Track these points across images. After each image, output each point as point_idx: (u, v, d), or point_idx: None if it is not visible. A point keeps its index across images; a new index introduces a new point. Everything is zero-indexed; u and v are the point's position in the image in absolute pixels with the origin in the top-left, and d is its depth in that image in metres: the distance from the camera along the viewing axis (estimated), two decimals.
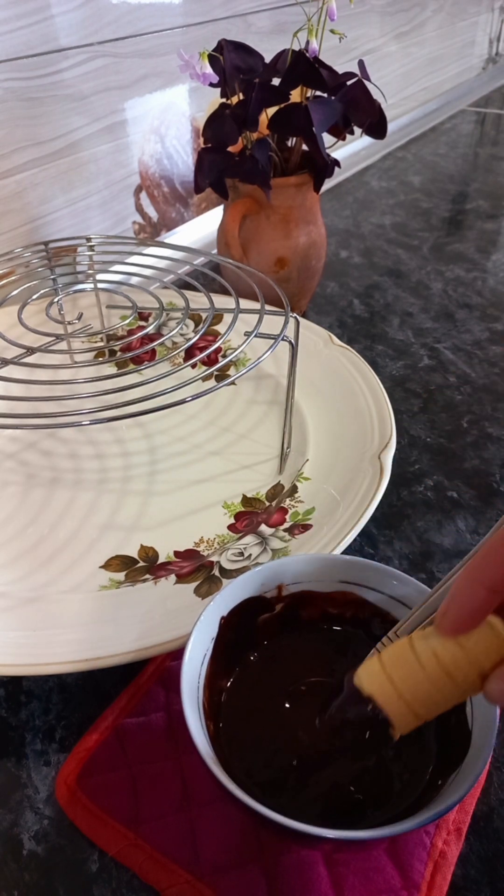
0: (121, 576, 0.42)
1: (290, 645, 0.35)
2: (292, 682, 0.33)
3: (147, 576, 0.42)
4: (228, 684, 0.33)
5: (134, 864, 0.31)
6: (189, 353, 0.60)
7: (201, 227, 0.89)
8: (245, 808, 0.25)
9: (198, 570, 0.41)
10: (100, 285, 0.57)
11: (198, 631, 0.31)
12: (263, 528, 0.44)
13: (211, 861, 0.31)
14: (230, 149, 0.59)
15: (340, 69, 0.57)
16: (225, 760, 0.29)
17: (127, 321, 0.46)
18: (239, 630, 0.33)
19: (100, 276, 0.59)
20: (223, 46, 0.55)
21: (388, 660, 0.26)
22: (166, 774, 0.34)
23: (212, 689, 0.32)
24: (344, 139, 0.61)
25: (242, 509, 0.47)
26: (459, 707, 0.30)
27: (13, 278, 0.50)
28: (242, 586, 0.33)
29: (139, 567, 0.43)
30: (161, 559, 0.43)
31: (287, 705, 0.32)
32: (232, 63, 0.55)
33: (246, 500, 0.48)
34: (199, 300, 0.56)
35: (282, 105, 0.57)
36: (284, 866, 0.31)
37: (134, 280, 0.66)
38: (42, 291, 0.49)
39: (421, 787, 0.29)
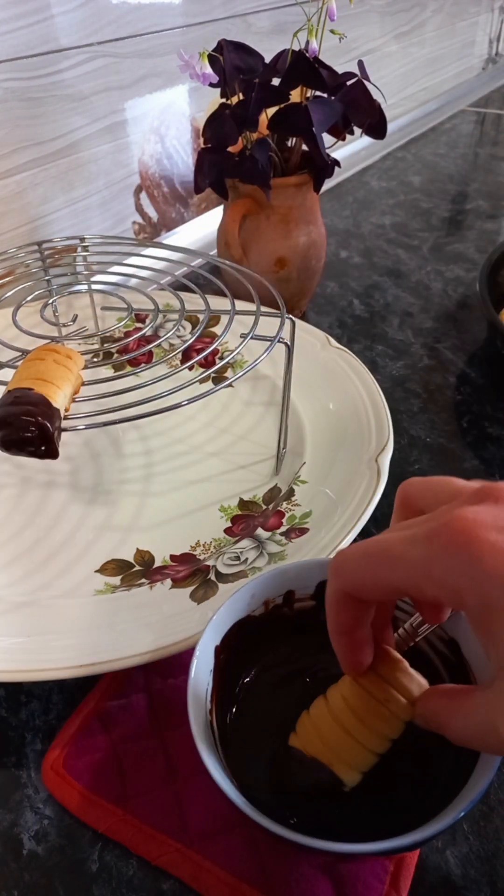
0: (116, 580, 0.42)
1: (289, 656, 0.35)
2: (296, 694, 0.33)
3: (143, 580, 0.42)
4: (238, 708, 0.33)
5: (124, 838, 0.32)
6: (186, 355, 0.60)
7: (201, 228, 0.89)
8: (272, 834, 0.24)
9: (194, 574, 0.41)
10: (94, 287, 0.57)
11: (197, 668, 0.30)
12: (260, 531, 0.44)
13: (198, 829, 0.32)
14: (230, 149, 0.59)
15: (340, 69, 0.57)
16: (244, 783, 0.29)
17: (123, 323, 0.46)
18: (236, 654, 0.33)
19: (94, 278, 0.59)
20: (223, 46, 0.55)
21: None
22: (150, 751, 0.35)
23: (220, 720, 0.31)
24: (344, 139, 0.61)
25: (239, 513, 0.47)
26: None
27: (8, 279, 0.50)
28: (229, 612, 0.32)
29: (135, 571, 0.43)
30: (157, 563, 0.43)
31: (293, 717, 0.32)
32: (232, 63, 0.55)
33: (242, 504, 0.48)
34: (195, 301, 0.55)
35: (282, 105, 0.57)
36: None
37: (129, 281, 0.66)
38: (36, 293, 0.49)
39: (430, 799, 0.29)
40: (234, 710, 0.33)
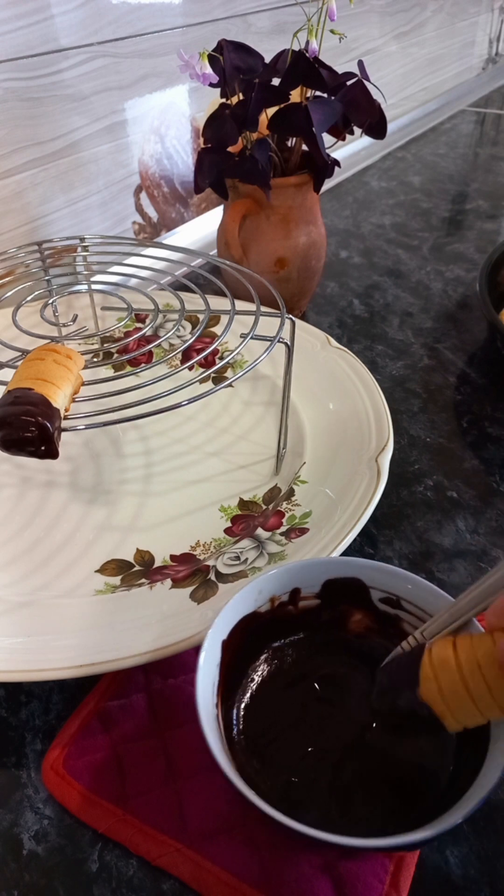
0: (116, 580, 0.42)
1: (294, 655, 0.35)
2: (304, 691, 0.33)
3: (143, 580, 0.42)
4: (243, 705, 0.33)
5: (124, 838, 0.32)
6: (186, 356, 0.60)
7: (201, 228, 0.89)
8: (284, 829, 0.24)
9: (194, 574, 0.41)
10: (94, 287, 0.57)
11: (204, 661, 0.30)
12: (260, 531, 0.44)
13: (198, 829, 0.32)
14: (230, 149, 0.59)
15: (340, 69, 0.57)
16: (248, 778, 0.29)
17: (123, 323, 0.46)
18: (241, 650, 0.33)
19: (94, 278, 0.59)
20: (223, 46, 0.55)
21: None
22: (150, 751, 0.35)
23: (226, 715, 0.32)
24: (344, 139, 0.61)
25: (239, 513, 0.47)
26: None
27: (8, 279, 0.50)
28: (236, 607, 0.32)
29: (135, 571, 0.43)
30: (157, 563, 0.43)
31: (303, 716, 0.32)
32: (232, 63, 0.55)
33: (243, 504, 0.48)
34: (195, 301, 0.56)
35: (282, 105, 0.57)
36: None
37: (129, 281, 0.66)
38: (36, 293, 0.49)
39: (434, 800, 0.29)
40: (239, 706, 0.33)
